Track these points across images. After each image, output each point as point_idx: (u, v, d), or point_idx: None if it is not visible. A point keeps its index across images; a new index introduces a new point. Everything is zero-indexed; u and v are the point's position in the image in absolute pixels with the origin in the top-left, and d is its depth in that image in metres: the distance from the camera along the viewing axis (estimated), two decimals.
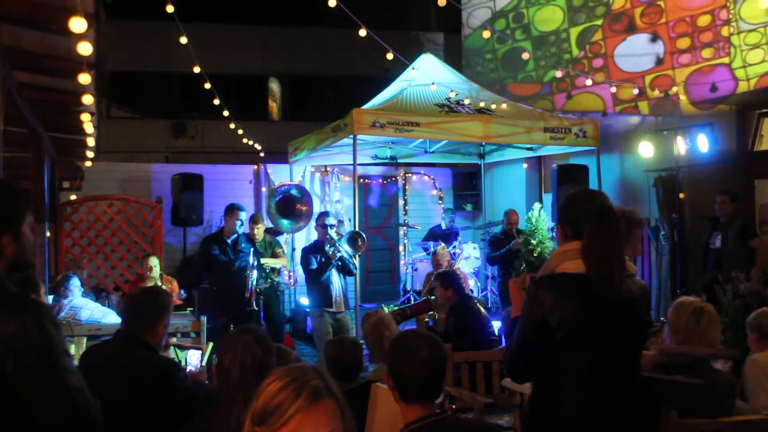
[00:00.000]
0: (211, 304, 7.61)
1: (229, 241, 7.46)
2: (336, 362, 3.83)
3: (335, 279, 7.21)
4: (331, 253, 7.12)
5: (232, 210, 7.57)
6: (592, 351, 2.64)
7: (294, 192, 9.53)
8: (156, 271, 8.14)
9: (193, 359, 4.40)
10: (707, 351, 3.27)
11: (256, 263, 7.39)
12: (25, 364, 1.98)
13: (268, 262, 8.05)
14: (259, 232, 8.25)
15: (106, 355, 3.63)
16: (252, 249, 7.52)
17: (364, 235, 7.39)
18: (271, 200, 9.45)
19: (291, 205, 9.55)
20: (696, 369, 3.37)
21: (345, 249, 7.23)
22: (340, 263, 7.20)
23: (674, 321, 3.36)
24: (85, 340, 5.76)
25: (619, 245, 2.67)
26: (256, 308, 7.30)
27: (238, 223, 7.51)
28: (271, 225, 9.67)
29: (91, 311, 6.89)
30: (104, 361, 3.56)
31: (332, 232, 7.23)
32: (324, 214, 7.46)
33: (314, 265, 7.14)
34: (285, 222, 9.25)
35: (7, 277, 2.12)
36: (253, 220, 8.37)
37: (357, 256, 7.35)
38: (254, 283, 7.31)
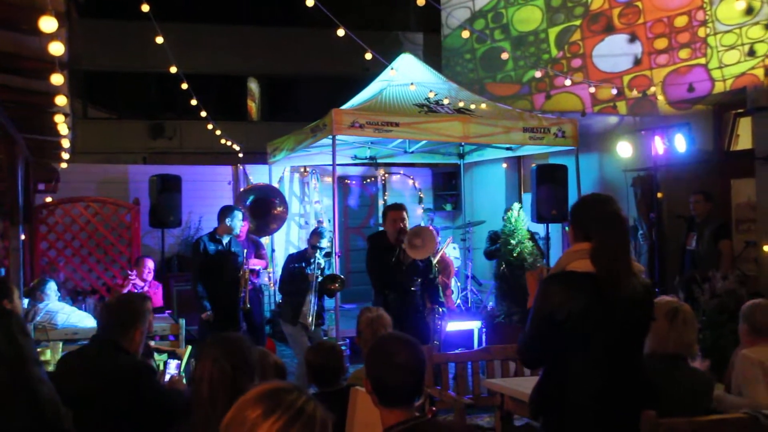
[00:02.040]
0: (199, 305, 7.51)
1: (224, 241, 7.40)
2: (316, 368, 3.81)
3: (311, 298, 6.95)
4: (310, 274, 6.98)
5: (227, 211, 7.50)
6: (598, 343, 2.87)
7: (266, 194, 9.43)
8: (149, 274, 8.15)
9: (172, 367, 4.36)
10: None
11: (246, 265, 7.34)
12: None
13: (252, 262, 7.99)
14: (242, 231, 8.20)
15: (82, 361, 3.60)
16: (245, 250, 7.47)
17: (342, 278, 7.11)
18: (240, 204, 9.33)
19: (265, 208, 9.49)
20: (673, 368, 3.39)
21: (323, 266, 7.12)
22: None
23: None
24: (61, 344, 5.70)
25: (626, 249, 2.94)
26: (249, 306, 7.22)
27: (237, 224, 7.46)
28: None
29: (67, 315, 6.83)
30: (81, 367, 3.54)
31: (321, 257, 7.05)
32: (318, 234, 7.19)
33: (290, 285, 7.02)
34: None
35: None
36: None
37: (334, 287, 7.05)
38: (247, 283, 7.27)
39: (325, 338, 7.27)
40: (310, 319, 6.82)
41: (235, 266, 7.31)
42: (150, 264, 8.35)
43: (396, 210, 6.38)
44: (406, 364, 2.53)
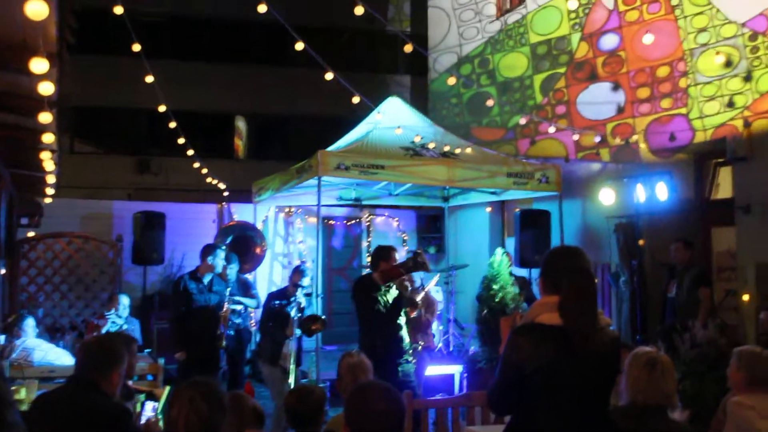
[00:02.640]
0: (177, 344, 7.43)
1: (205, 281, 7.34)
2: (296, 413, 3.76)
3: (288, 342, 6.87)
4: (292, 311, 6.92)
5: (209, 250, 7.46)
6: (565, 394, 2.88)
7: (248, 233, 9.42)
8: (124, 311, 8.00)
9: (148, 409, 4.31)
10: None
11: (229, 304, 7.29)
12: None
13: (243, 301, 7.95)
14: (232, 272, 8.15)
15: (58, 401, 3.55)
16: (227, 290, 7.43)
17: (323, 319, 7.08)
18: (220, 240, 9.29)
19: (245, 247, 9.46)
20: (652, 419, 3.38)
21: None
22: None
23: (629, 372, 3.42)
24: (36, 382, 5.61)
25: (593, 302, 2.96)
26: (224, 345, 7.16)
27: (219, 263, 7.41)
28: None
29: (44, 353, 6.71)
30: (56, 407, 3.48)
31: (302, 296, 7.00)
32: (300, 272, 7.17)
33: (270, 324, 6.97)
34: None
35: None
36: (226, 259, 8.28)
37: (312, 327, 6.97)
38: (228, 322, 7.21)
39: (305, 380, 7.20)
40: (291, 363, 6.76)
41: (216, 305, 7.26)
42: (125, 301, 8.21)
43: (393, 250, 6.54)
44: (386, 413, 2.53)
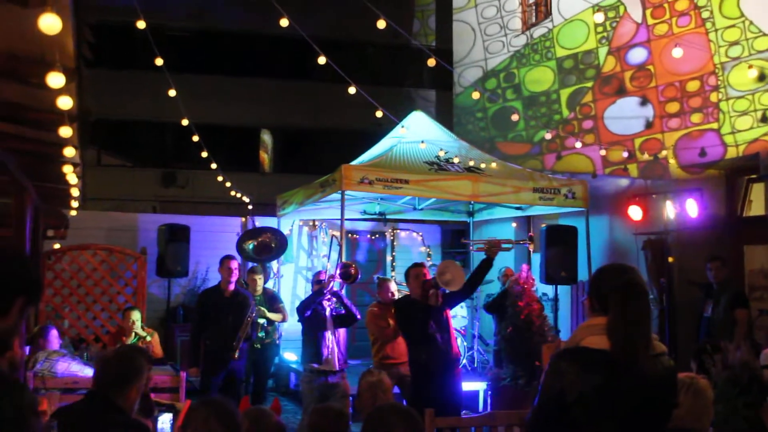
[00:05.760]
0: (200, 360, 7.42)
1: (226, 295, 7.30)
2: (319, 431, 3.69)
3: (329, 335, 6.83)
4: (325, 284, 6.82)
5: (223, 261, 7.44)
6: (610, 427, 2.60)
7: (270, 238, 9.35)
8: (138, 325, 7.95)
9: (164, 420, 4.26)
10: None
11: (253, 315, 7.25)
12: None
13: (268, 315, 7.90)
14: (259, 283, 8.12)
15: (75, 418, 3.51)
16: (261, 300, 7.39)
17: (354, 265, 7.12)
18: (248, 244, 9.22)
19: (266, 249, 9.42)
20: None
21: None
22: (337, 308, 6.88)
23: None
24: (58, 393, 5.61)
25: (646, 323, 2.66)
26: (237, 358, 7.12)
27: (233, 272, 7.36)
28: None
29: (68, 364, 6.73)
30: (73, 425, 3.44)
31: (336, 284, 6.91)
32: (318, 273, 7.25)
33: (309, 313, 6.83)
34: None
35: None
36: (252, 270, 8.26)
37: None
38: (245, 334, 7.17)
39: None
40: (333, 359, 6.65)
41: (238, 317, 7.21)
42: (136, 315, 8.11)
43: (417, 267, 6.58)
44: None
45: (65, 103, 3.18)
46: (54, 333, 7.25)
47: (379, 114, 8.23)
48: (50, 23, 2.29)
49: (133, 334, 7.78)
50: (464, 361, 9.68)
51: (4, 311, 2.02)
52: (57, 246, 9.87)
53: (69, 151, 4.39)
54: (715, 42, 9.16)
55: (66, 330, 9.35)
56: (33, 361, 6.61)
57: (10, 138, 4.85)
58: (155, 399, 5.61)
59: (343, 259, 8.21)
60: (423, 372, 6.14)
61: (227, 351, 7.10)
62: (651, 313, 2.71)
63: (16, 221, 6.69)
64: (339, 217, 8.19)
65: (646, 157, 9.86)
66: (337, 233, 8.61)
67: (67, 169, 5.21)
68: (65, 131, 3.68)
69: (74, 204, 8.33)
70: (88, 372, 6.69)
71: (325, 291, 6.70)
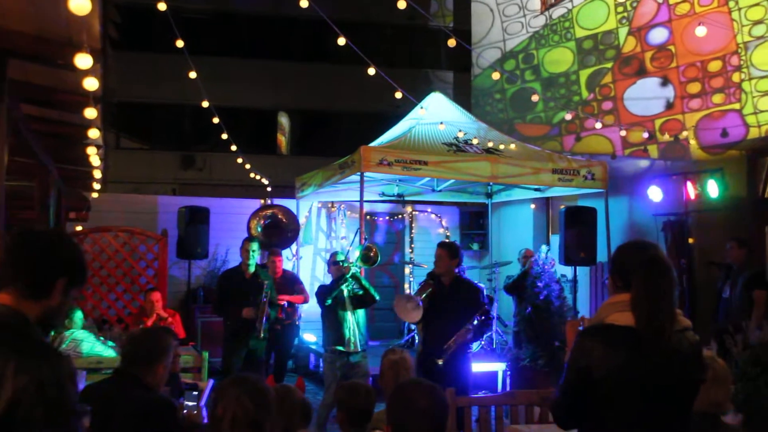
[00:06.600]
0: (223, 340, 7.50)
1: (247, 276, 7.36)
2: (347, 408, 3.72)
3: (349, 317, 6.86)
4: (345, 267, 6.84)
5: (243, 243, 7.49)
6: (637, 405, 2.61)
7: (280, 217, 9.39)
8: (158, 306, 8.06)
9: (190, 400, 4.31)
10: None
11: (270, 296, 7.30)
12: (33, 418, 1.91)
13: (286, 298, 7.96)
14: (279, 265, 8.16)
15: (103, 396, 3.57)
16: (271, 283, 7.42)
17: (374, 247, 7.11)
18: (256, 223, 9.25)
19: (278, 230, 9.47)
20: (705, 424, 3.27)
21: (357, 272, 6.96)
22: (355, 289, 6.89)
23: None
24: (84, 373, 5.68)
25: (669, 298, 2.64)
26: (263, 338, 7.18)
27: (253, 254, 7.40)
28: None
29: (92, 344, 6.83)
30: (101, 402, 3.50)
31: (355, 265, 6.88)
32: (334, 254, 7.20)
33: (329, 301, 6.87)
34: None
35: (34, 322, 2.04)
36: (272, 253, 8.32)
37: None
38: (269, 315, 7.22)
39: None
40: (355, 341, 6.70)
41: (257, 297, 7.26)
42: (157, 296, 8.19)
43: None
44: (428, 411, 2.49)
45: (91, 84, 3.22)
46: (78, 314, 7.34)
47: (398, 95, 8.22)
48: (80, 3, 2.32)
49: (155, 315, 7.88)
50: (483, 342, 9.69)
51: (46, 292, 2.05)
52: (79, 228, 9.98)
53: (93, 133, 4.44)
54: (738, 21, 9.04)
55: (89, 311, 9.46)
56: (59, 341, 6.72)
57: (35, 121, 4.91)
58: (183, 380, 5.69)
59: (363, 242, 8.22)
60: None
61: (248, 331, 7.16)
62: (675, 288, 2.68)
63: (40, 204, 6.79)
64: (358, 199, 8.21)
65: (666, 137, 9.78)
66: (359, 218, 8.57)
67: (91, 151, 5.27)
68: (90, 112, 3.72)
69: (96, 186, 8.42)
70: (112, 353, 6.80)
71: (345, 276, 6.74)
